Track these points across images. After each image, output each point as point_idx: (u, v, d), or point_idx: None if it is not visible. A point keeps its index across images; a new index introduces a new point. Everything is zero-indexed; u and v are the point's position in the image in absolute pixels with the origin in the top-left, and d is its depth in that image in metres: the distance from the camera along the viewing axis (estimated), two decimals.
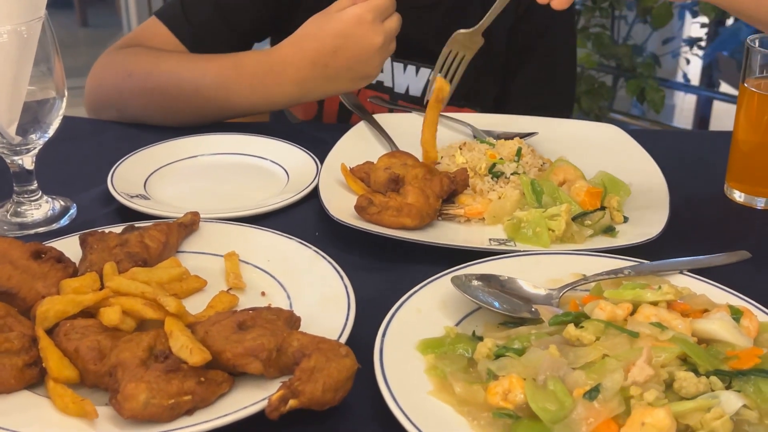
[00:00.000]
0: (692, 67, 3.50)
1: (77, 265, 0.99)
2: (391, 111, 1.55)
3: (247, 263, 1.05)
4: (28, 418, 0.80)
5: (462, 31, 1.31)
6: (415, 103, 1.61)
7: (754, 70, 1.24)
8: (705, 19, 3.16)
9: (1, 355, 0.81)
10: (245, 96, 1.40)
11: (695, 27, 3.28)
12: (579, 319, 0.90)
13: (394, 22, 1.33)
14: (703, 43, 3.46)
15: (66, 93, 1.16)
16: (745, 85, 1.24)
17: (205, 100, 1.42)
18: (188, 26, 1.53)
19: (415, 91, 1.63)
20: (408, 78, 1.62)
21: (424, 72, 1.61)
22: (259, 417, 0.80)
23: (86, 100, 1.56)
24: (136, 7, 4.70)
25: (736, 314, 0.91)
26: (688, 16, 3.29)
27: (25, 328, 0.85)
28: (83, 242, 1.01)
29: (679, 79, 3.40)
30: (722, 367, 0.83)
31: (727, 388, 0.82)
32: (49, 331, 0.85)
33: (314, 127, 1.62)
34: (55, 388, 0.80)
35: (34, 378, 0.83)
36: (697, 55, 3.30)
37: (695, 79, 3.54)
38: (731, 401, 0.78)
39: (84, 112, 1.55)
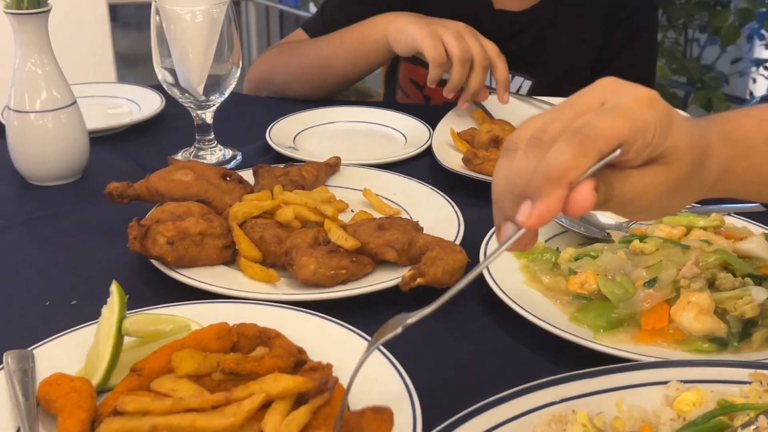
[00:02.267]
0: (758, 86, 3.52)
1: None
2: None
3: (378, 195, 1.15)
4: (226, 281, 0.93)
5: None
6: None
7: None
8: None
9: (207, 237, 0.94)
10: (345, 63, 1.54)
11: (762, 49, 3.31)
12: (643, 238, 0.98)
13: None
14: None
15: (240, 64, 1.27)
16: None
17: (324, 69, 1.56)
18: (321, 28, 1.65)
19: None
20: None
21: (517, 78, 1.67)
22: (394, 290, 0.91)
23: (249, 80, 1.72)
24: None
25: None
26: (756, 39, 3.31)
27: (222, 222, 0.98)
28: (255, 172, 1.14)
29: (746, 96, 3.42)
30: (755, 272, 0.92)
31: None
32: (240, 226, 0.98)
33: (422, 107, 1.71)
34: (245, 263, 0.94)
35: (228, 257, 0.97)
36: (763, 75, 3.32)
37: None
38: (760, 293, 0.88)
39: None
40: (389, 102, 1.85)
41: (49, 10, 1.19)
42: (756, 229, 1.05)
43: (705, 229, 1.01)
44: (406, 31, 1.41)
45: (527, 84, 1.67)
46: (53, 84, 1.22)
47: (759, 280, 0.92)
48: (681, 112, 0.83)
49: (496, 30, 1.45)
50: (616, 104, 0.65)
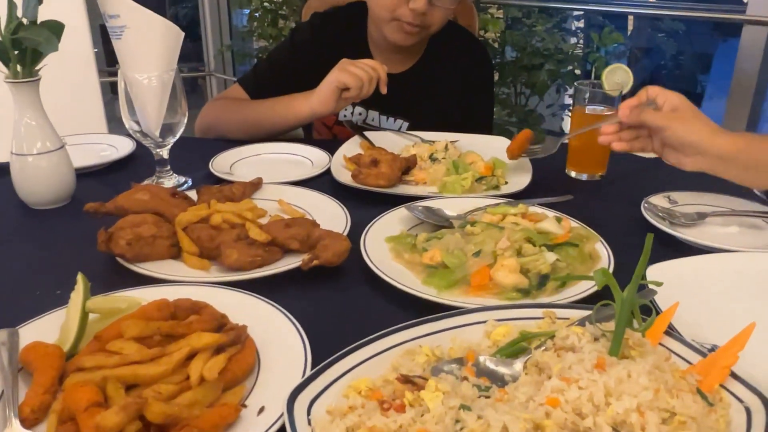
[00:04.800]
0: (566, 123, 3.61)
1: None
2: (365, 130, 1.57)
3: (289, 203, 1.12)
4: (172, 270, 0.90)
5: None
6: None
7: (580, 99, 1.32)
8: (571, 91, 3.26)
9: (158, 238, 0.91)
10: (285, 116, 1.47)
11: (566, 97, 3.39)
12: (473, 223, 0.98)
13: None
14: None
15: (187, 114, 1.23)
16: (575, 108, 1.33)
17: (257, 126, 1.49)
18: (254, 84, 1.59)
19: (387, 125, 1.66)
20: (388, 123, 1.66)
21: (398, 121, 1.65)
22: (297, 270, 0.90)
23: (198, 126, 1.61)
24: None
25: (558, 220, 1.00)
26: (563, 90, 3.37)
27: (170, 227, 0.95)
28: (198, 191, 1.11)
29: (558, 129, 3.50)
30: (548, 242, 0.93)
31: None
32: (183, 229, 0.95)
33: (325, 141, 1.66)
34: (186, 256, 0.91)
35: (175, 253, 0.93)
36: (568, 115, 3.40)
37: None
38: (551, 256, 0.90)
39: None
40: (307, 138, 1.80)
41: (38, 80, 1.13)
42: (550, 213, 1.06)
43: (515, 215, 1.01)
44: (325, 80, 1.39)
45: (405, 125, 1.66)
46: (45, 134, 1.16)
47: (551, 248, 0.93)
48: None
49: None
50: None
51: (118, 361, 0.62)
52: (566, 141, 1.34)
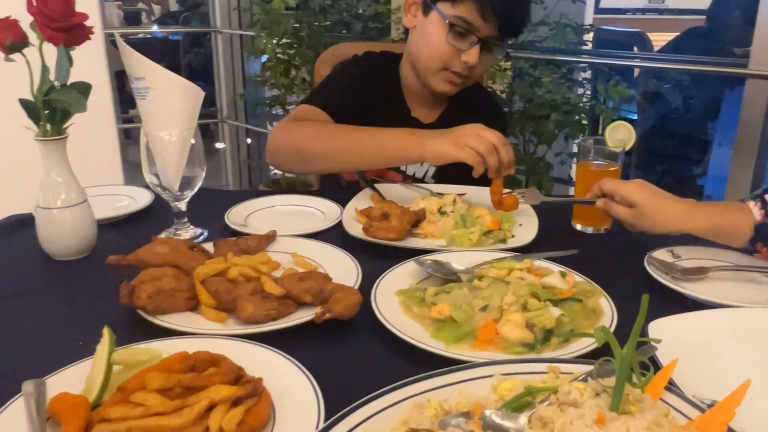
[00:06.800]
0: (573, 170, 3.65)
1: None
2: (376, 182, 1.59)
3: (302, 256, 1.16)
4: (191, 322, 0.93)
5: None
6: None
7: (584, 155, 1.39)
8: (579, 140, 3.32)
9: (177, 291, 0.95)
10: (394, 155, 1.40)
11: (574, 146, 3.44)
12: (480, 278, 1.02)
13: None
14: None
15: (205, 168, 1.27)
16: (579, 163, 1.39)
17: (358, 159, 1.44)
18: (333, 107, 1.54)
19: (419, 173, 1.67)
20: (421, 167, 1.68)
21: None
22: (310, 323, 0.93)
23: (279, 150, 1.49)
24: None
25: (563, 275, 1.04)
26: (570, 139, 3.42)
27: (188, 280, 0.99)
28: (215, 244, 1.15)
29: (566, 178, 3.55)
30: (553, 297, 0.96)
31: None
32: (201, 282, 0.99)
33: (337, 193, 1.62)
34: (204, 308, 0.95)
35: (193, 305, 0.97)
36: (575, 163, 3.44)
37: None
38: (556, 311, 0.93)
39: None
40: (321, 189, 1.82)
41: (66, 137, 1.20)
42: (555, 268, 1.09)
43: (521, 269, 1.05)
44: (443, 152, 1.32)
45: (432, 169, 1.70)
46: (69, 188, 1.21)
47: (555, 303, 0.96)
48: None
49: None
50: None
51: (141, 412, 0.66)
52: (548, 201, 1.39)
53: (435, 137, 1.34)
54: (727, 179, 2.59)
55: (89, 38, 1.17)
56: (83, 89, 1.15)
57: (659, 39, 4.41)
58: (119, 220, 1.43)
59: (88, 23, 1.16)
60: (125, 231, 1.38)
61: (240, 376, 0.76)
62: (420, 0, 1.59)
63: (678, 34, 3.96)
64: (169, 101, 1.20)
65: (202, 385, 0.72)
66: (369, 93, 1.65)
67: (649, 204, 1.15)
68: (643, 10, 6.61)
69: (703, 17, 3.88)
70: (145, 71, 1.19)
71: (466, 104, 1.74)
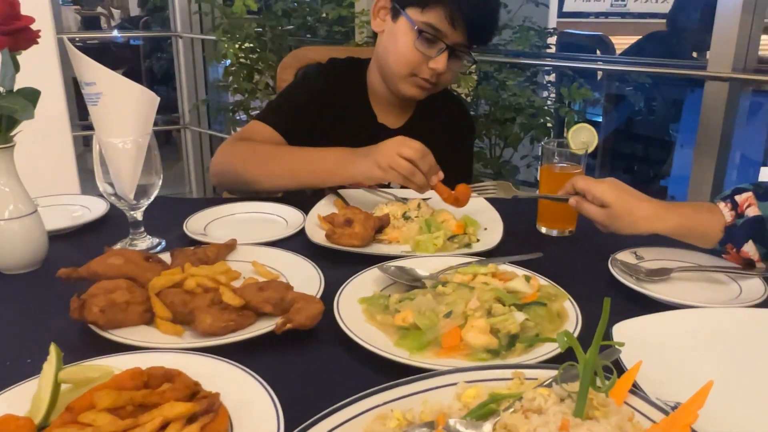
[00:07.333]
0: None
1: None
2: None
3: (264, 264, 1.13)
4: (145, 336, 0.90)
5: None
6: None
7: (548, 158, 1.40)
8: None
9: (131, 304, 0.92)
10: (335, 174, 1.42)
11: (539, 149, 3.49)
12: (444, 284, 1.01)
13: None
14: None
15: (161, 176, 1.25)
16: (543, 166, 1.40)
17: (293, 180, 1.46)
18: (284, 123, 1.56)
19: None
20: None
21: None
22: (270, 334, 0.91)
23: (219, 171, 1.53)
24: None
25: (527, 279, 1.03)
26: (536, 143, 3.46)
27: (143, 292, 0.96)
28: (172, 254, 1.12)
29: (532, 180, 3.60)
30: (518, 302, 0.96)
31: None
32: (156, 294, 0.96)
33: (299, 199, 1.61)
34: (159, 321, 0.92)
35: (148, 319, 0.94)
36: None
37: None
38: (520, 316, 0.92)
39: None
40: (285, 197, 1.76)
41: (13, 146, 1.16)
42: (520, 271, 1.09)
43: (485, 274, 1.04)
44: (370, 175, 1.35)
45: None
46: (18, 199, 1.17)
47: (520, 307, 0.96)
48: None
49: (376, 137, 1.41)
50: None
51: None
52: (520, 197, 1.40)
53: (362, 159, 1.36)
54: (690, 180, 2.64)
55: (36, 42, 1.13)
56: (31, 95, 1.11)
57: (621, 42, 4.50)
58: (72, 231, 1.38)
59: (37, 27, 1.13)
60: (79, 242, 1.34)
61: (196, 392, 0.74)
62: (389, 5, 1.59)
63: (640, 37, 4.04)
64: (122, 107, 1.17)
65: (155, 402, 0.69)
66: (333, 100, 1.64)
67: (621, 205, 1.15)
68: (606, 14, 6.75)
69: (664, 21, 3.97)
70: (96, 76, 1.16)
71: (434, 110, 1.74)
